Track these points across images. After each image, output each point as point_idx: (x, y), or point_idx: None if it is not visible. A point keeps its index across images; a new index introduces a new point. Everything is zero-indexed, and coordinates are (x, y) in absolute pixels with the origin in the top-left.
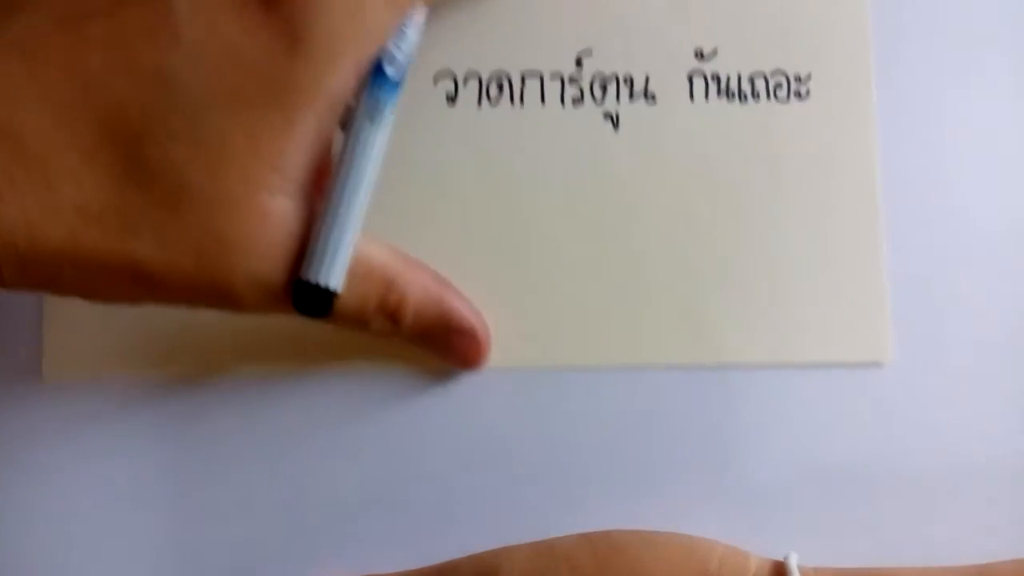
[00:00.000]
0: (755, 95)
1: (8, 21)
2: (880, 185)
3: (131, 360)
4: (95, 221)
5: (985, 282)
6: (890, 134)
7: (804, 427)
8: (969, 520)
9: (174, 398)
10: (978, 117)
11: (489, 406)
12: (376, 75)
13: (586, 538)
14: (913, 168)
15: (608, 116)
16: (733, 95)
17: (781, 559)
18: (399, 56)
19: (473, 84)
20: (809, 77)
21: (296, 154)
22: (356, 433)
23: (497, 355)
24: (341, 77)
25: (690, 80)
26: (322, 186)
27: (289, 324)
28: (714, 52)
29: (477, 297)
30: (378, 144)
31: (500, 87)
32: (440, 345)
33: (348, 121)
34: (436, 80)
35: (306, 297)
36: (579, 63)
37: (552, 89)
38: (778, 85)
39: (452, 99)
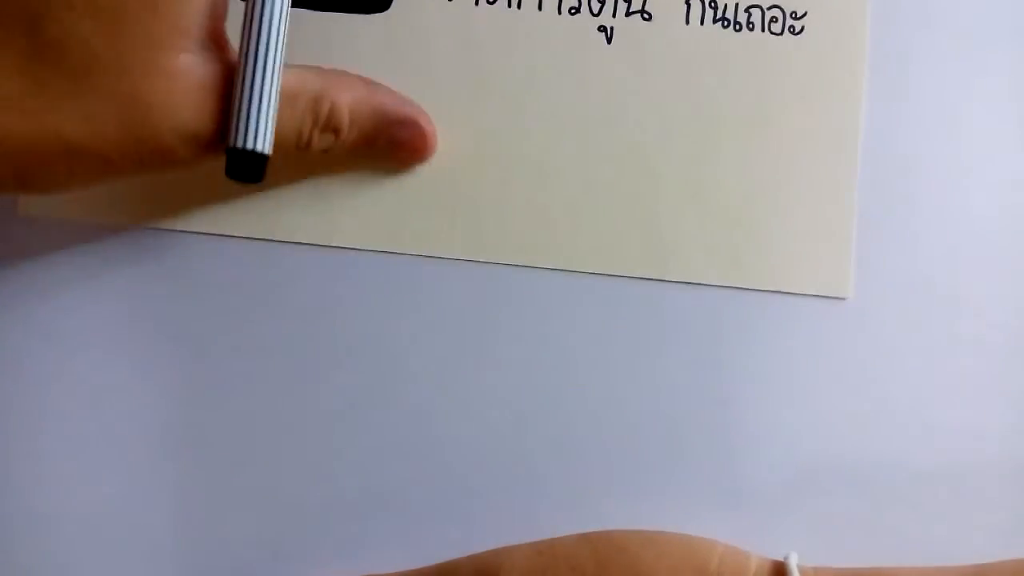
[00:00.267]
0: (750, 25)
1: None
2: (863, 130)
3: (101, 207)
4: (14, 107)
5: (950, 231)
6: (879, 81)
7: (768, 351)
8: (969, 520)
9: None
10: (970, 74)
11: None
12: None
13: (586, 538)
14: (898, 118)
15: (602, 29)
16: (728, 22)
17: (781, 559)
18: None
19: None
20: (805, 14)
21: (193, 10)
22: (361, 421)
23: (472, 247)
24: None
25: (687, 3)
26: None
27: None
28: None
29: (455, 189)
30: None
31: None
32: (385, 143)
33: None
34: None
35: (239, 164)
36: None
37: None
38: (773, 19)
39: None
